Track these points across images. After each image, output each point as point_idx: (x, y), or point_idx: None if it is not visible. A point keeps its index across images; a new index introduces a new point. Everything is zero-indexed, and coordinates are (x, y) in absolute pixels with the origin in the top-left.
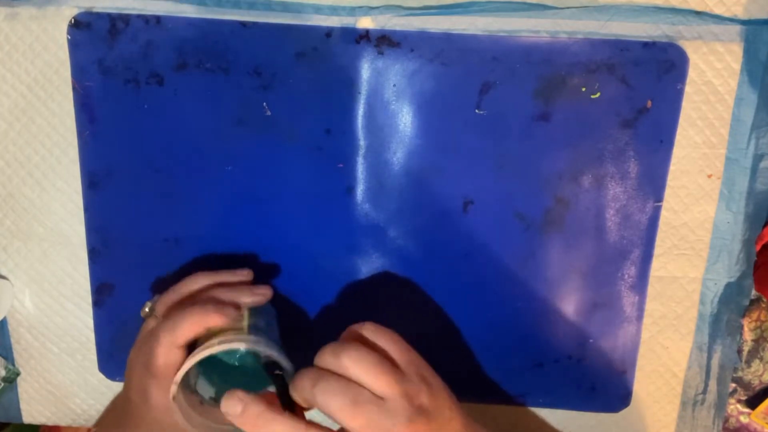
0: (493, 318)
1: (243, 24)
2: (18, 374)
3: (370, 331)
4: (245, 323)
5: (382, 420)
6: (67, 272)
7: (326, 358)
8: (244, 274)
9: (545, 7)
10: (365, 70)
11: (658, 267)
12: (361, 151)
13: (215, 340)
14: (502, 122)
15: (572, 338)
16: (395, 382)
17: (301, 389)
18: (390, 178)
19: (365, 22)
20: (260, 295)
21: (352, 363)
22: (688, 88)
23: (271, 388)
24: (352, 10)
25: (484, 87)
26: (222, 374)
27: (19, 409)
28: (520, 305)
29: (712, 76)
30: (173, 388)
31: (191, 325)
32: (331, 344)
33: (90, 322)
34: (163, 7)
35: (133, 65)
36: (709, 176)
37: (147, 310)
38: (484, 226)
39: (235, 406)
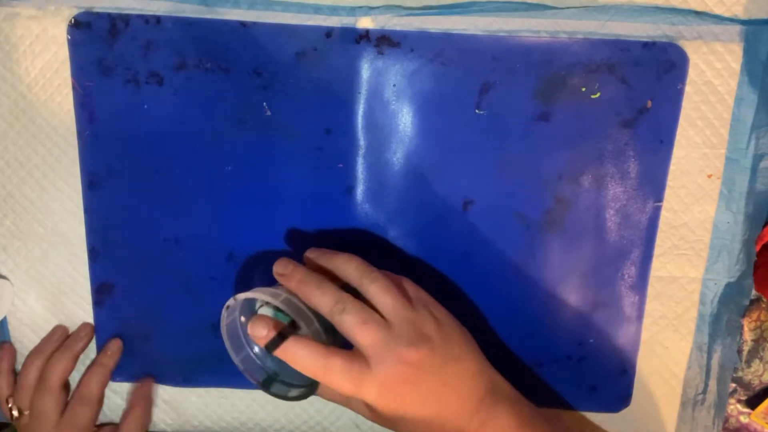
0: (492, 318)
1: (243, 24)
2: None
3: (389, 273)
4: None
5: (387, 340)
6: (67, 272)
7: (350, 270)
8: (58, 335)
9: (545, 7)
10: (365, 70)
11: (658, 267)
12: (361, 151)
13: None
14: (502, 122)
15: (572, 338)
16: (402, 308)
17: (324, 305)
18: (390, 178)
19: (365, 22)
20: (83, 338)
21: (369, 282)
22: (688, 88)
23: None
24: (352, 10)
25: (484, 87)
26: None
27: None
28: (520, 305)
29: (712, 76)
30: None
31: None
32: (359, 261)
33: (90, 322)
34: (163, 7)
35: (133, 65)
36: (709, 176)
37: (16, 414)
38: (484, 226)
39: (262, 329)
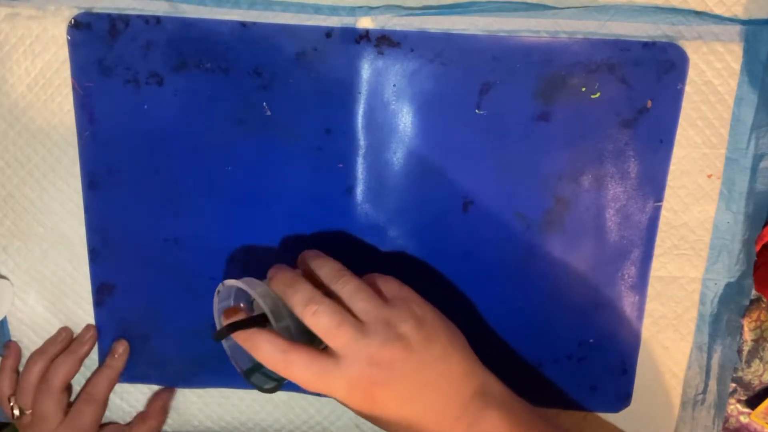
0: (492, 318)
1: (243, 24)
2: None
3: (366, 276)
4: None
5: (359, 341)
6: (67, 272)
7: (323, 272)
8: (62, 336)
9: (545, 7)
10: (365, 70)
11: (658, 267)
12: (361, 151)
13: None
14: (502, 122)
15: (572, 338)
16: (375, 309)
17: (297, 306)
18: (390, 178)
19: (365, 22)
20: (87, 341)
21: (341, 285)
22: (688, 88)
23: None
24: (352, 10)
25: (484, 87)
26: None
27: None
28: (520, 305)
29: (712, 76)
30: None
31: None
32: (332, 264)
33: (91, 321)
34: (163, 7)
35: (133, 65)
36: (709, 176)
37: (17, 413)
38: (484, 226)
39: (227, 319)
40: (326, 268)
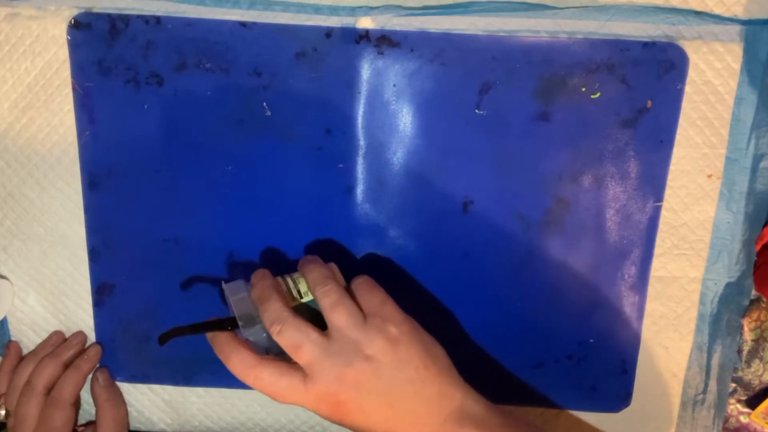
0: (493, 318)
1: (243, 24)
2: None
3: (356, 283)
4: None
5: (323, 359)
6: (67, 272)
7: (309, 279)
8: (56, 339)
9: (545, 7)
10: (365, 70)
11: (658, 267)
12: (361, 151)
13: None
14: (502, 122)
15: (572, 338)
16: (347, 327)
17: (265, 322)
18: (390, 178)
19: (365, 22)
20: (74, 346)
21: (321, 296)
22: (688, 88)
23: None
24: (352, 10)
25: (484, 87)
26: None
27: None
28: (520, 305)
29: (712, 76)
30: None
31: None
32: (320, 270)
33: (90, 322)
34: (163, 7)
35: (133, 65)
36: (709, 176)
37: (3, 413)
38: (484, 226)
39: (210, 333)
40: (314, 274)
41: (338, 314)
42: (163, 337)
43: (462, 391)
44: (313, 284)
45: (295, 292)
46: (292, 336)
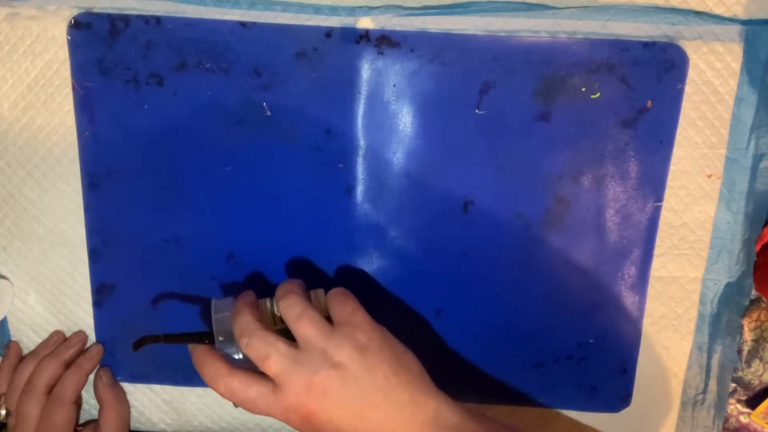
0: (493, 318)
1: (243, 24)
2: None
3: (330, 294)
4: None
5: (291, 370)
6: (67, 272)
7: (280, 292)
8: (55, 340)
9: (545, 7)
10: (365, 70)
11: (658, 267)
12: (361, 151)
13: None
14: (502, 122)
15: (572, 338)
16: (313, 336)
17: (235, 335)
18: (390, 178)
19: (365, 22)
20: (75, 345)
21: (284, 309)
22: (688, 88)
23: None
24: (352, 10)
25: (484, 87)
26: None
27: None
28: (520, 305)
29: (712, 76)
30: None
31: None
32: (288, 285)
33: (90, 322)
34: (163, 7)
35: (133, 65)
36: (709, 176)
37: (3, 413)
38: (484, 226)
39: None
40: (280, 291)
41: (303, 325)
42: (137, 343)
43: (435, 398)
44: (278, 299)
45: (278, 316)
46: (259, 348)
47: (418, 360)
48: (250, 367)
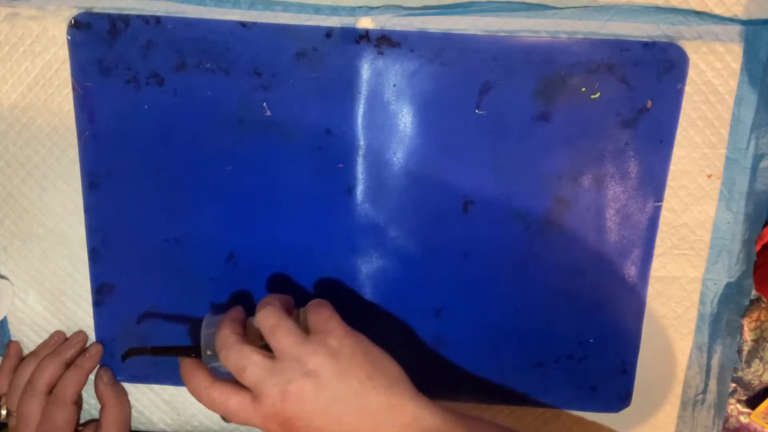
0: (493, 318)
1: (243, 24)
2: None
3: (308, 305)
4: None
5: (267, 380)
6: (67, 272)
7: (258, 305)
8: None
9: (545, 7)
10: (365, 70)
11: (658, 267)
12: (361, 151)
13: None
14: (502, 122)
15: (572, 338)
16: (287, 346)
17: (217, 348)
18: (390, 178)
19: (365, 22)
20: (75, 345)
21: (261, 319)
22: (688, 88)
23: None
24: (352, 10)
25: (484, 87)
26: None
27: None
28: (520, 305)
29: (712, 76)
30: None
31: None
32: (267, 298)
33: (90, 322)
34: (163, 7)
35: (133, 65)
36: (709, 176)
37: (4, 413)
38: (484, 226)
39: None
40: (260, 303)
41: (277, 335)
42: (126, 354)
43: (414, 402)
44: (256, 312)
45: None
46: (236, 360)
47: (397, 364)
48: (235, 380)
